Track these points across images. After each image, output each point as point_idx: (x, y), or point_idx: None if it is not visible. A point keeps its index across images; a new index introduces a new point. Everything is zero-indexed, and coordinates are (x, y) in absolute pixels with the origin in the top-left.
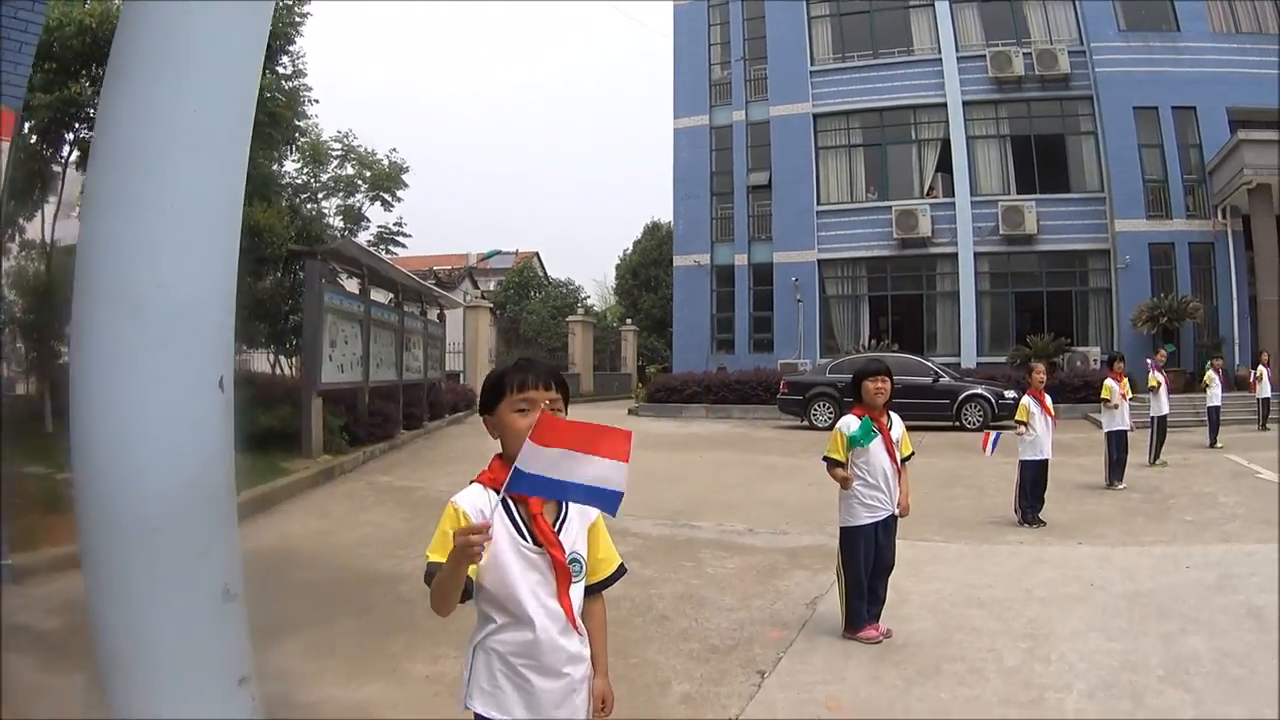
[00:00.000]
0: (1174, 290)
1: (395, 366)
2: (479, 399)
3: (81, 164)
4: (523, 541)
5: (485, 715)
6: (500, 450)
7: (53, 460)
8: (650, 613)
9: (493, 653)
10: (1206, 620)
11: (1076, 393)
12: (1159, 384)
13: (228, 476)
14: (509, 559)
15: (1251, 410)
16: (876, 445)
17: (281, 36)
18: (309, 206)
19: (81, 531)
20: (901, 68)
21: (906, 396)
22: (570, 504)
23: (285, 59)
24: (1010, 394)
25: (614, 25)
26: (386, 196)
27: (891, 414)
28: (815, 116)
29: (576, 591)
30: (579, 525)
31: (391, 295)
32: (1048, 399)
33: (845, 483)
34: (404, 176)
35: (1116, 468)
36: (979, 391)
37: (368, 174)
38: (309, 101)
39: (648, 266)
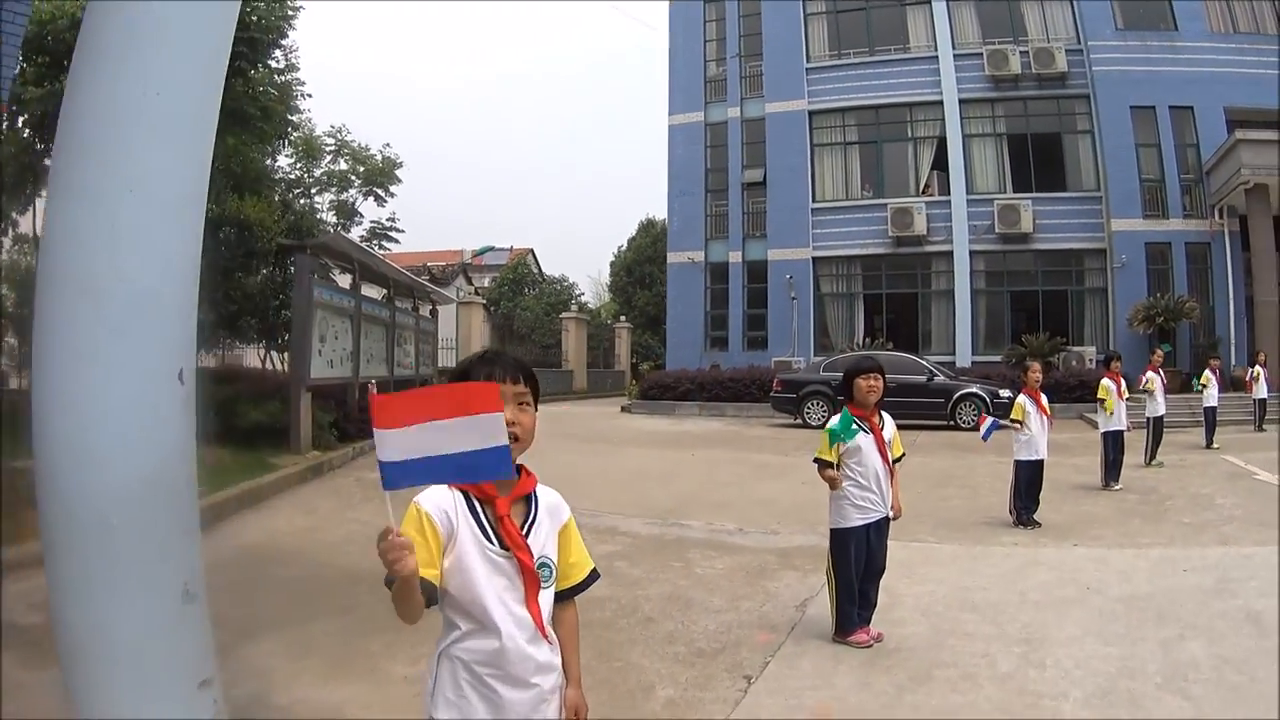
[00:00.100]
0: (1170, 290)
1: (386, 362)
2: None
3: None
4: (489, 545)
5: None
6: None
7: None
8: (636, 614)
9: (458, 661)
10: (1205, 625)
11: (1072, 392)
12: (1155, 385)
13: (188, 473)
14: (474, 563)
15: (1247, 411)
16: (869, 446)
17: (274, 30)
18: (302, 201)
19: (42, 526)
20: (898, 65)
21: (901, 395)
22: (540, 506)
23: (278, 53)
24: (1005, 393)
25: (609, 21)
26: (379, 192)
27: (883, 414)
28: (810, 113)
29: (546, 598)
30: (549, 528)
31: (384, 291)
32: (1043, 398)
33: (833, 483)
34: (398, 172)
35: (1113, 468)
36: (974, 390)
37: (361, 169)
38: (302, 96)
39: (642, 263)
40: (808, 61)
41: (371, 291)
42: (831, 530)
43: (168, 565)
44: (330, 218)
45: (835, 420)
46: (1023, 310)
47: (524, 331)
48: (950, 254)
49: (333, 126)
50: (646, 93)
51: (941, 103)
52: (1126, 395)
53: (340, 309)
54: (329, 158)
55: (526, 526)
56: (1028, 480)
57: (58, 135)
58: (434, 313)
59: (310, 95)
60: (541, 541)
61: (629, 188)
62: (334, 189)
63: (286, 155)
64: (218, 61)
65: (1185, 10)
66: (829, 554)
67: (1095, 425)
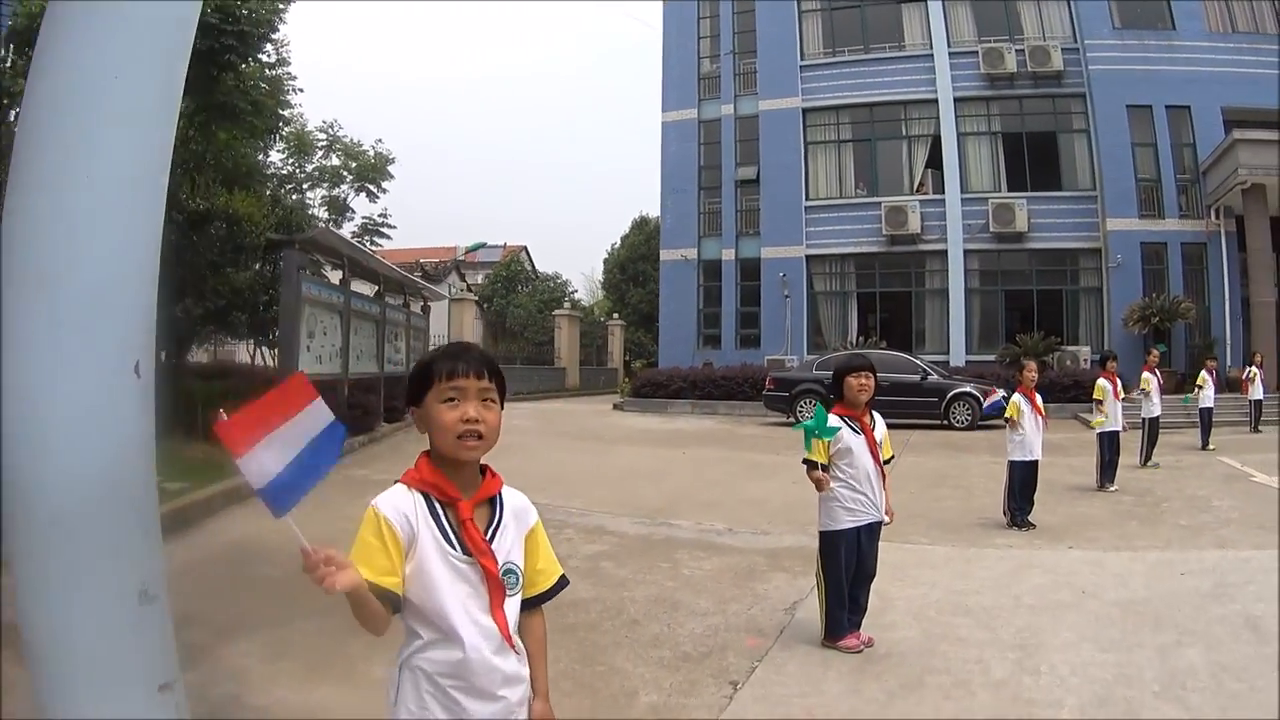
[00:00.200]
0: (1166, 290)
1: (377, 358)
2: (406, 389)
3: None
4: (451, 550)
5: None
6: (428, 447)
7: None
8: (621, 616)
9: (420, 672)
10: (1203, 631)
11: (1066, 392)
12: (1151, 386)
13: (147, 471)
14: (436, 569)
15: (1242, 412)
16: (860, 446)
17: (265, 24)
18: (293, 197)
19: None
20: (893, 63)
21: (894, 394)
22: (505, 509)
23: (269, 47)
24: (1000, 392)
25: (605, 18)
26: (372, 188)
27: (874, 413)
28: (805, 111)
29: (512, 606)
30: (515, 532)
31: (376, 287)
32: (1038, 398)
33: (820, 485)
34: (391, 169)
35: (1108, 469)
36: (967, 390)
37: (353, 165)
38: (293, 90)
39: (635, 261)
40: (802, 59)
41: (364, 288)
42: (820, 533)
43: (125, 566)
44: (322, 213)
45: (810, 418)
46: (1017, 310)
47: (517, 329)
48: (944, 253)
49: (325, 122)
50: (641, 90)
51: (936, 101)
52: (1123, 396)
53: (329, 304)
54: (321, 153)
55: (491, 531)
56: (1022, 481)
57: (19, 123)
58: (426, 309)
59: (302, 90)
60: (507, 547)
61: (623, 185)
62: (326, 185)
63: (279, 151)
64: (180, 46)
65: (1183, 10)
66: (818, 557)
67: (1090, 426)
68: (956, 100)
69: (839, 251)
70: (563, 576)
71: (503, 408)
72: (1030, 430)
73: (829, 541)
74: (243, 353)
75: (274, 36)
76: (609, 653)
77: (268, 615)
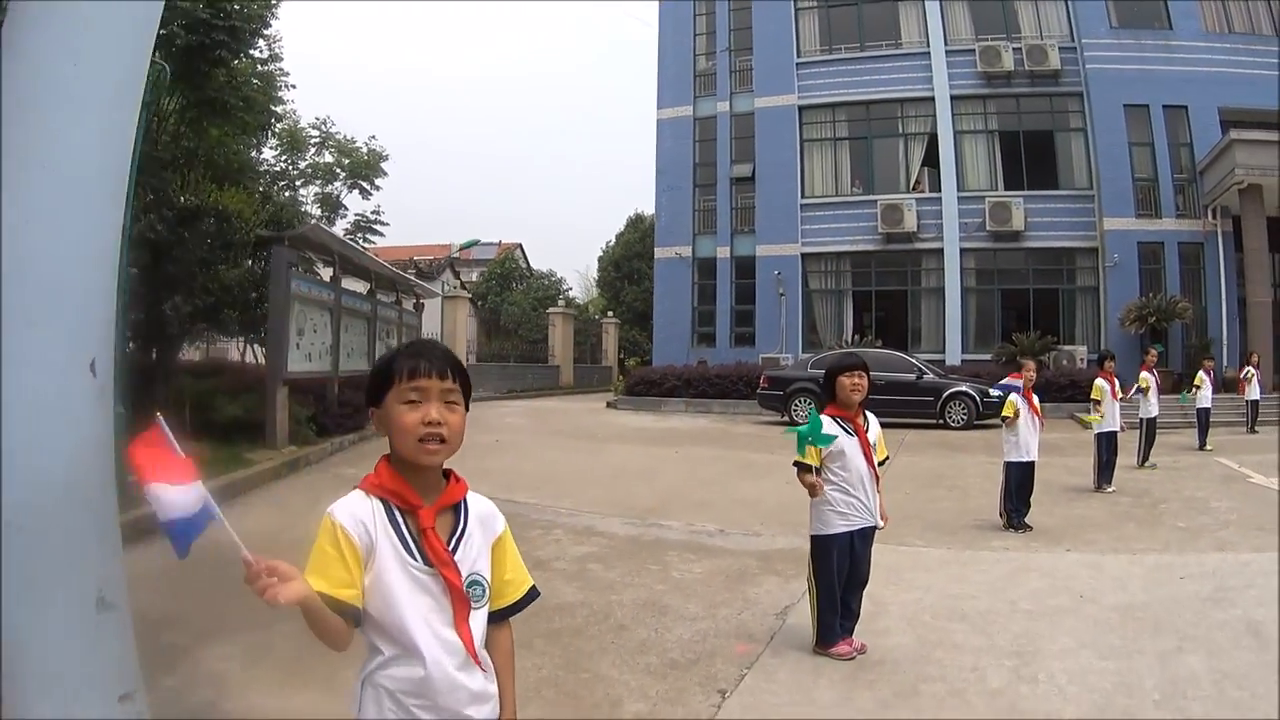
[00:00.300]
0: (1163, 290)
1: (368, 356)
2: (367, 388)
3: None
4: (411, 561)
5: None
6: (389, 450)
7: None
8: (608, 621)
9: (382, 690)
10: (1204, 637)
11: (1063, 392)
12: (1149, 385)
13: (105, 473)
14: (395, 581)
15: (1239, 412)
16: (853, 449)
17: (256, 19)
18: (286, 194)
19: None
20: (889, 61)
21: (889, 393)
22: (470, 516)
23: (260, 42)
24: (995, 392)
25: (600, 15)
26: (365, 185)
27: (868, 414)
28: (800, 108)
29: (478, 620)
30: (480, 541)
31: (369, 284)
32: (1035, 398)
33: (813, 489)
34: (385, 166)
35: (1106, 470)
36: (964, 389)
37: (346, 162)
38: (286, 87)
39: (630, 259)
40: (798, 56)
41: (357, 285)
42: (812, 537)
43: (81, 572)
44: (315, 210)
45: (805, 423)
46: (1013, 309)
47: (511, 326)
48: (941, 251)
49: (318, 118)
50: (636, 87)
51: (933, 99)
52: (1120, 396)
53: (319, 302)
54: (314, 150)
55: (454, 540)
56: (1018, 482)
57: None
58: (419, 306)
59: (294, 86)
60: (472, 557)
61: (618, 182)
62: (319, 182)
63: (271, 147)
64: (145, 31)
65: (1180, 9)
66: (810, 561)
67: (1083, 425)
68: (953, 98)
69: (834, 250)
70: (533, 587)
71: (468, 409)
72: (1026, 431)
73: (821, 546)
74: (234, 350)
75: (266, 32)
76: (594, 659)
77: (249, 619)
